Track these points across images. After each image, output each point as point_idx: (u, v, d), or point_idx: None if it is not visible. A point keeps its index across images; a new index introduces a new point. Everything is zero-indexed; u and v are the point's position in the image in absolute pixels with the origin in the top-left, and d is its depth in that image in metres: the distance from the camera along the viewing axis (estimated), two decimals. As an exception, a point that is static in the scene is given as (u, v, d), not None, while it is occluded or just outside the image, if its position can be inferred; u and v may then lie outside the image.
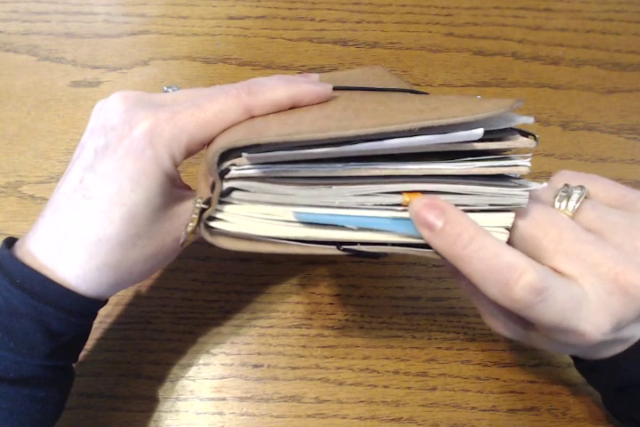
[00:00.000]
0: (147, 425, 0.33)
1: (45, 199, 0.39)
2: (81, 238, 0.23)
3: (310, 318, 0.36)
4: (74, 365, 0.27)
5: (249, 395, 0.34)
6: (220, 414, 0.33)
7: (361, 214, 0.22)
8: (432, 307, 0.37)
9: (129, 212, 0.23)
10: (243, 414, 0.33)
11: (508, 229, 0.22)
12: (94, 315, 0.27)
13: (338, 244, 0.22)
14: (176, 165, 0.25)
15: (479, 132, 0.19)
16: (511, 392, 0.34)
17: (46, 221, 0.24)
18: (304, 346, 0.35)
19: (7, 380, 0.23)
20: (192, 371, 0.34)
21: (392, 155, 0.21)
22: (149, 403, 0.33)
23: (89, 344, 0.34)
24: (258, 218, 0.22)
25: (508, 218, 0.22)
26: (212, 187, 0.21)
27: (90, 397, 0.33)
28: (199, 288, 0.37)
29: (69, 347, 0.26)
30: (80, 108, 0.42)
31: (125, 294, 0.36)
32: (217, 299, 0.36)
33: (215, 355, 0.35)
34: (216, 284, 0.37)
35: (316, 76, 0.29)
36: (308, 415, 0.33)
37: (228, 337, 0.35)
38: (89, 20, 0.46)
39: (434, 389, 0.34)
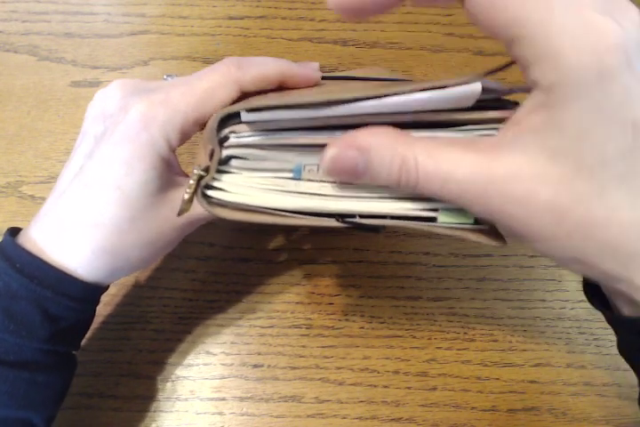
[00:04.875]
0: (147, 425, 0.33)
1: (45, 199, 0.39)
2: (78, 223, 0.24)
3: (310, 318, 0.36)
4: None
5: (249, 395, 0.34)
6: (220, 414, 0.33)
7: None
8: (432, 307, 0.37)
9: (123, 195, 0.24)
10: (243, 414, 0.33)
11: None
12: (95, 301, 0.27)
13: (337, 216, 0.22)
14: (172, 149, 0.25)
15: (478, 86, 0.19)
16: (511, 392, 0.34)
17: (47, 208, 0.25)
18: (304, 346, 0.35)
19: (7, 362, 0.23)
20: (192, 371, 0.34)
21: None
22: (149, 403, 0.33)
23: (89, 344, 0.34)
24: (256, 188, 0.21)
25: None
26: (211, 155, 0.21)
27: (90, 397, 0.33)
28: (199, 288, 0.37)
29: (70, 332, 0.26)
30: (80, 108, 0.42)
31: (126, 294, 0.36)
32: (217, 299, 0.36)
33: (215, 355, 0.35)
34: (216, 284, 0.37)
35: (315, 64, 0.29)
36: (308, 415, 0.33)
37: (228, 337, 0.35)
38: (89, 20, 0.46)
39: (434, 389, 0.34)
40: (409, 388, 0.34)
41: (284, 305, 0.36)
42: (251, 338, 0.35)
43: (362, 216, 0.21)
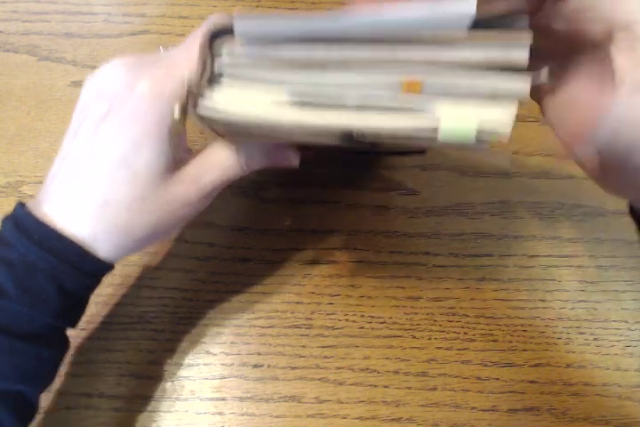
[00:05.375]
0: (147, 425, 0.33)
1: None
2: (90, 201, 0.24)
3: (310, 318, 0.36)
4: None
5: (249, 395, 0.34)
6: (220, 414, 0.33)
7: (357, 102, 0.21)
8: (432, 307, 0.37)
9: (133, 174, 0.24)
10: (243, 414, 0.33)
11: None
12: (100, 280, 0.27)
13: (335, 131, 0.21)
14: (183, 122, 0.24)
15: (473, 3, 0.18)
16: (511, 392, 0.34)
17: (58, 187, 0.25)
18: (304, 346, 0.35)
19: (19, 335, 0.24)
20: (192, 371, 0.34)
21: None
22: (149, 403, 0.33)
23: (89, 344, 0.34)
24: (250, 103, 0.21)
25: (509, 109, 0.21)
26: (203, 69, 0.21)
27: (90, 397, 0.33)
28: (199, 288, 0.37)
29: (75, 309, 0.26)
30: (80, 108, 0.42)
31: (125, 294, 0.36)
32: (217, 299, 0.36)
33: (215, 355, 0.35)
34: (216, 284, 0.37)
35: None
36: (308, 415, 0.33)
37: (228, 337, 0.35)
38: (89, 20, 0.46)
39: (434, 389, 0.34)
40: (409, 388, 0.34)
41: (284, 305, 0.36)
42: (251, 338, 0.35)
43: (359, 134, 0.21)
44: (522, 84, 0.20)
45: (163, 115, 0.23)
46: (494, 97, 0.21)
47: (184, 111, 0.21)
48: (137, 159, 0.24)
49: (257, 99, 0.21)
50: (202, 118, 0.21)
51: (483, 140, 0.21)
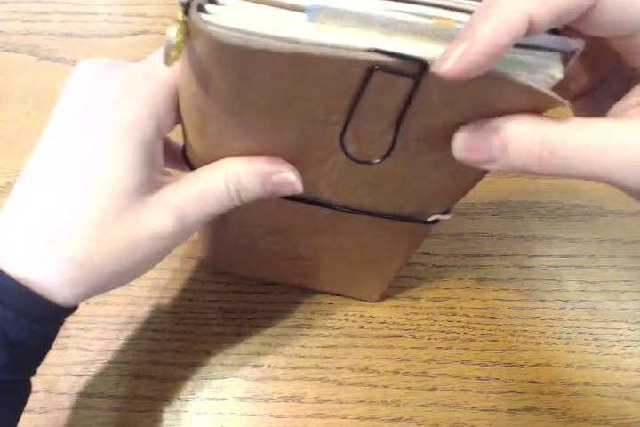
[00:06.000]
0: (147, 425, 0.33)
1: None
2: (41, 229, 0.20)
3: (310, 318, 0.36)
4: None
5: (249, 395, 0.34)
6: (220, 414, 0.33)
7: (386, 22, 0.17)
8: (432, 307, 0.37)
9: (95, 193, 0.20)
10: (243, 414, 0.33)
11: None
12: (60, 323, 0.23)
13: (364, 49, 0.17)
14: (161, 133, 0.21)
15: None
16: (511, 392, 0.34)
17: (6, 214, 0.21)
18: (304, 346, 0.35)
19: None
20: (192, 371, 0.34)
21: None
22: (149, 403, 0.33)
23: (89, 344, 0.34)
24: (262, 17, 0.17)
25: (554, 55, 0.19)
26: None
27: (90, 397, 0.33)
28: (199, 288, 0.37)
29: (29, 358, 0.22)
30: (80, 108, 0.42)
31: (126, 295, 0.36)
32: (217, 299, 0.36)
33: (215, 355, 0.35)
34: (216, 284, 0.37)
35: None
36: (308, 415, 0.33)
37: (228, 337, 0.35)
38: (89, 20, 0.46)
39: (434, 389, 0.34)
40: (409, 388, 0.34)
41: (284, 305, 0.36)
42: (251, 338, 0.35)
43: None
44: (560, 40, 0.18)
45: (137, 119, 0.20)
46: (533, 47, 0.19)
47: (186, 9, 0.16)
48: (102, 174, 0.20)
49: (272, 15, 0.17)
50: (205, 21, 0.16)
51: (537, 71, 0.19)
